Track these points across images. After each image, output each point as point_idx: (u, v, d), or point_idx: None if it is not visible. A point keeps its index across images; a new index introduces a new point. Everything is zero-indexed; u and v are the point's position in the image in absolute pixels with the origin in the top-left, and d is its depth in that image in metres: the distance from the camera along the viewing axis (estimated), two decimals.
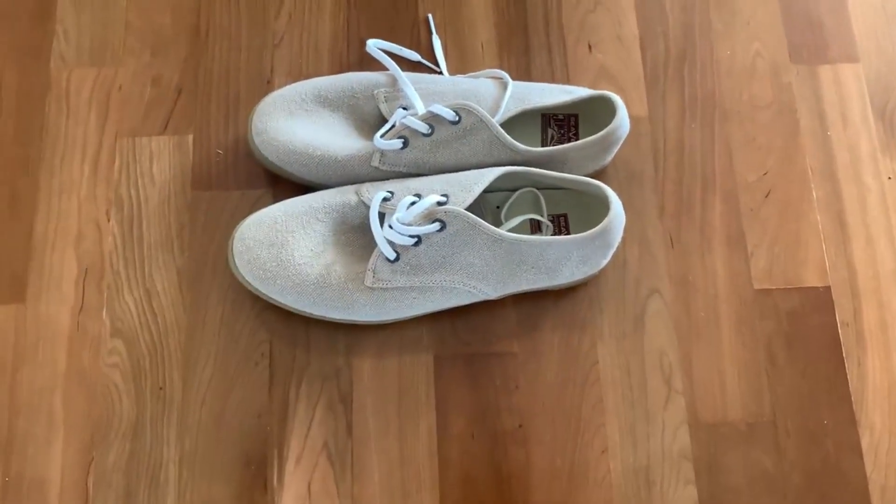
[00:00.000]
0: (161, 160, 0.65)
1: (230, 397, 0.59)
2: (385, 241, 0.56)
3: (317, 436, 0.58)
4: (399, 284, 0.57)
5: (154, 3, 0.68)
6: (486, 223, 0.56)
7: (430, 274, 0.57)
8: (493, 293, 0.58)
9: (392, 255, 0.56)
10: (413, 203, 0.57)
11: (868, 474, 0.58)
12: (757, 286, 0.62)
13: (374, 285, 0.57)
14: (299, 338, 0.60)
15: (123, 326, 0.61)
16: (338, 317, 0.59)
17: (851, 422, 0.59)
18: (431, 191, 0.58)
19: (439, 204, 0.56)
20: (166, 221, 0.63)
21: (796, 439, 0.59)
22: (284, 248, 0.57)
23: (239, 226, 0.59)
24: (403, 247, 0.56)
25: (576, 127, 0.63)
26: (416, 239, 0.56)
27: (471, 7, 0.69)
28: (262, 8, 0.68)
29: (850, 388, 0.60)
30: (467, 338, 0.61)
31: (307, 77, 0.65)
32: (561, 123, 0.63)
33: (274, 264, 0.57)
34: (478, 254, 0.57)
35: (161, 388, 0.60)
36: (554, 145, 0.63)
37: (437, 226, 0.56)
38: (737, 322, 0.61)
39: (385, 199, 0.58)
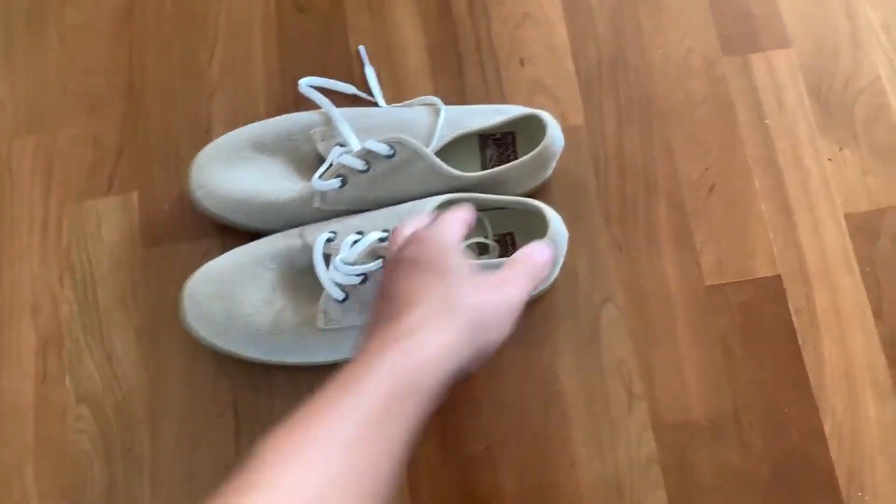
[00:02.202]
0: (109, 221, 0.65)
1: (199, 451, 0.60)
2: (331, 282, 0.57)
3: None
4: (352, 322, 0.58)
5: (86, 64, 0.69)
6: None
7: None
8: None
9: (340, 296, 0.57)
10: (356, 241, 0.57)
11: (833, 458, 0.59)
12: (708, 282, 0.62)
13: (327, 326, 0.57)
14: (262, 384, 0.61)
15: (87, 392, 0.61)
16: (296, 361, 0.59)
17: (813, 408, 0.60)
18: (373, 227, 0.58)
19: (381, 240, 0.56)
20: (119, 282, 0.64)
21: (760, 432, 0.59)
22: (234, 300, 0.58)
23: (186, 282, 0.59)
24: (351, 286, 0.57)
25: (513, 144, 0.64)
26: (362, 277, 0.57)
27: (400, 34, 0.69)
28: (195, 58, 0.69)
29: (809, 375, 0.60)
30: None
31: (245, 123, 0.66)
32: (499, 142, 0.64)
33: (225, 317, 0.58)
34: None
35: (130, 450, 0.60)
36: (493, 165, 0.63)
37: (380, 262, 0.56)
38: (691, 321, 0.62)
39: (328, 241, 0.58)
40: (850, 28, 0.68)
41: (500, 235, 0.62)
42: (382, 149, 0.59)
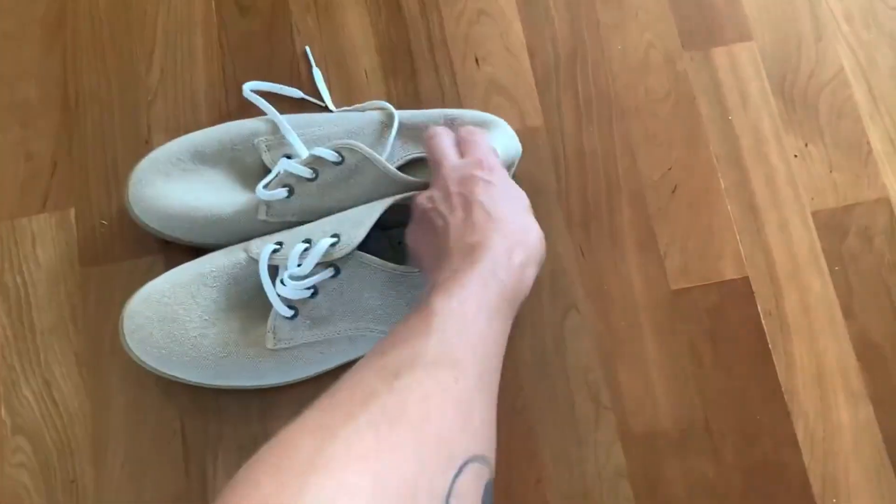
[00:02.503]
0: (44, 240, 0.61)
1: (146, 480, 0.57)
2: (278, 297, 0.54)
3: None
4: (303, 341, 0.55)
5: (15, 74, 0.65)
6: (379, 260, 0.53)
7: (334, 324, 0.55)
8: None
9: (288, 313, 0.54)
10: (305, 250, 0.54)
11: (807, 464, 0.57)
12: (674, 286, 0.60)
13: (277, 346, 0.54)
14: (210, 409, 0.58)
15: (25, 422, 0.58)
16: (245, 385, 0.56)
17: (784, 414, 0.58)
18: (322, 234, 0.55)
19: (332, 246, 0.53)
20: (57, 304, 0.60)
21: (732, 440, 0.57)
22: (176, 322, 0.55)
23: (126, 304, 0.56)
24: (300, 300, 0.54)
25: None
26: (311, 290, 0.54)
27: (349, 34, 0.66)
28: (132, 65, 0.65)
29: (780, 380, 0.58)
30: None
31: (186, 132, 0.62)
32: None
33: (168, 341, 0.55)
34: (379, 295, 0.54)
35: (73, 482, 0.57)
36: None
37: (329, 271, 0.53)
38: (658, 327, 0.59)
39: (274, 251, 0.55)
40: (812, 19, 0.66)
41: None
42: (330, 155, 0.56)
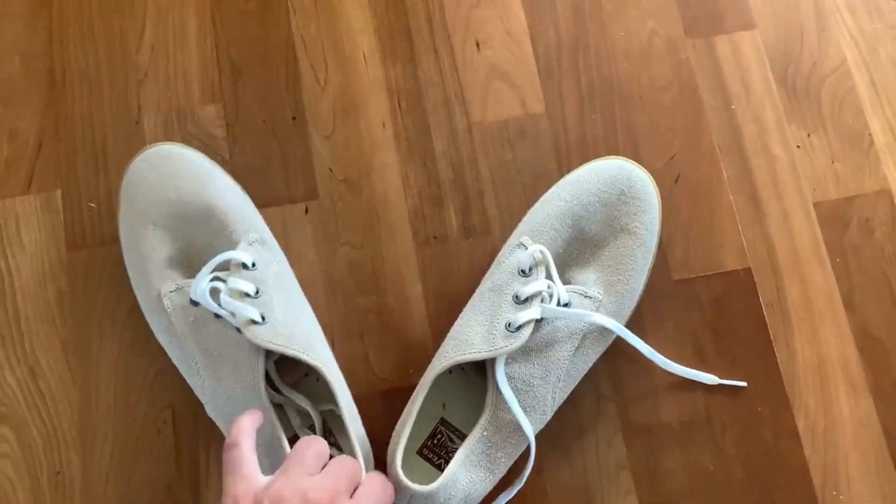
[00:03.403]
0: (29, 222, 0.59)
1: (135, 472, 0.55)
2: None
3: None
4: None
5: None
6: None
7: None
8: None
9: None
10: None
11: (808, 457, 0.57)
12: (676, 277, 0.60)
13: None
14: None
15: (9, 411, 0.56)
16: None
17: (786, 406, 0.57)
18: None
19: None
20: (43, 290, 0.58)
21: (733, 433, 0.57)
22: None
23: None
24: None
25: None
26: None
27: (347, 16, 0.64)
28: (122, 43, 0.63)
29: (781, 371, 0.58)
30: (385, 374, 0.57)
31: (178, 112, 0.61)
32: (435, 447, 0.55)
33: None
34: None
35: (59, 473, 0.55)
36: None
37: None
38: (660, 317, 0.59)
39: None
40: (815, 9, 0.66)
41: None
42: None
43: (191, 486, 0.55)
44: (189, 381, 0.53)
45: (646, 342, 0.56)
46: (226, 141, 0.61)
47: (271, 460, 0.49)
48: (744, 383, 0.57)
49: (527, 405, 0.51)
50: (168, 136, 0.61)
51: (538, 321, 0.51)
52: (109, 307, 0.57)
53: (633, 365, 0.58)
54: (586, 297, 0.53)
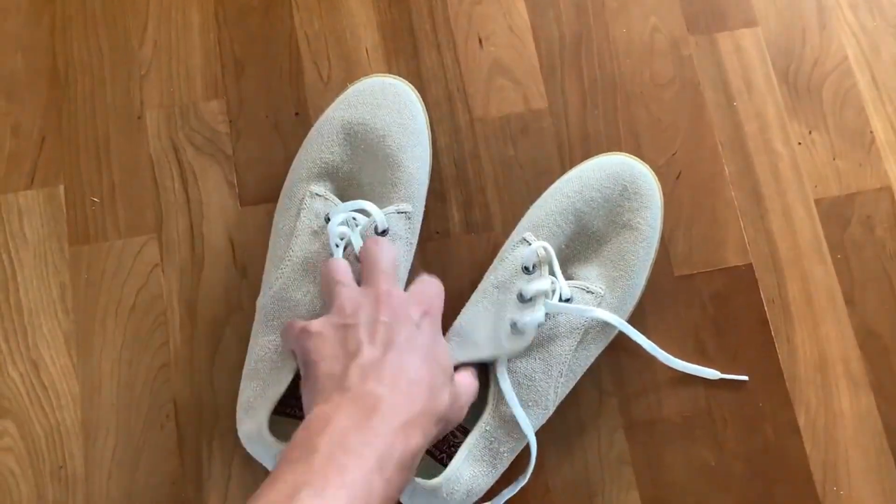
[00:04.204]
0: (32, 217, 0.59)
1: (139, 466, 0.55)
2: None
3: (236, 495, 0.55)
4: None
5: (1, 44, 0.62)
6: None
7: None
8: None
9: None
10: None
11: (808, 453, 0.57)
12: (678, 272, 0.60)
13: None
14: (204, 392, 0.56)
15: (12, 405, 0.56)
16: None
17: (786, 402, 0.58)
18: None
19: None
20: (45, 284, 0.58)
21: (734, 428, 0.57)
22: None
23: None
24: None
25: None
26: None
27: (349, 12, 0.64)
28: (124, 37, 0.63)
29: (782, 367, 0.58)
30: None
31: (181, 108, 0.61)
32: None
33: None
34: None
35: (61, 467, 0.55)
36: None
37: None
38: (661, 313, 0.59)
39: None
40: (817, 7, 0.66)
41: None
42: None
43: (194, 481, 0.55)
44: (267, 264, 0.54)
45: (648, 337, 0.56)
46: (229, 136, 0.61)
47: None
48: (745, 377, 0.57)
49: (529, 400, 0.51)
50: (171, 132, 0.61)
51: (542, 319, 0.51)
52: (112, 302, 0.57)
53: (634, 360, 0.58)
54: (588, 292, 0.53)
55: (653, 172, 0.57)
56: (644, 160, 0.61)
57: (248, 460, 0.55)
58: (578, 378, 0.54)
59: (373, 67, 0.63)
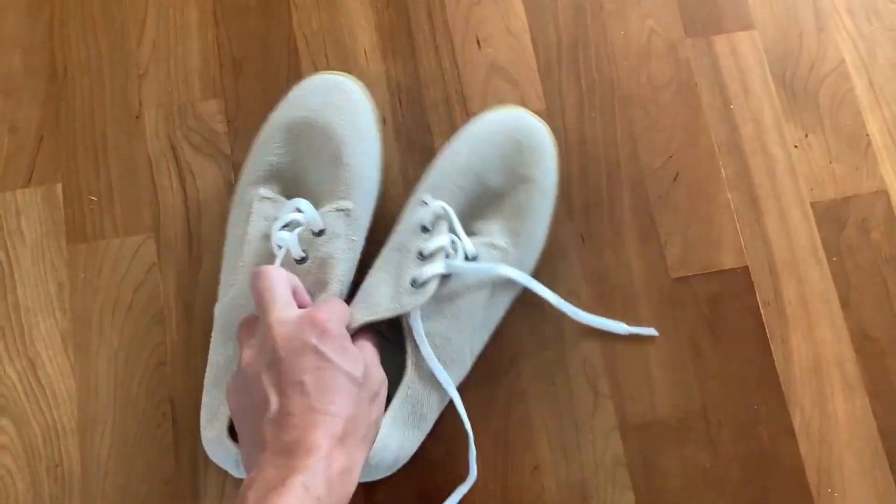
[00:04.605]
0: (29, 215, 0.59)
1: (134, 465, 0.55)
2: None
3: (232, 496, 0.55)
4: None
5: None
6: None
7: None
8: None
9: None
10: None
11: (803, 456, 0.57)
12: (674, 275, 0.60)
13: None
14: (201, 392, 0.56)
15: (8, 403, 0.56)
16: None
17: (782, 404, 0.58)
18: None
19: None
20: (43, 282, 0.58)
21: (729, 430, 0.57)
22: None
23: None
24: None
25: None
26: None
27: (347, 12, 0.64)
28: (122, 37, 0.63)
29: (778, 370, 0.58)
30: None
31: (179, 107, 0.61)
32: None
33: None
34: None
35: (58, 465, 0.55)
36: None
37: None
38: (657, 315, 0.59)
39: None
40: (813, 10, 0.66)
41: None
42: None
43: (189, 480, 0.55)
44: (223, 270, 0.54)
45: (644, 340, 0.56)
46: (227, 136, 0.61)
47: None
48: (654, 331, 0.58)
49: (447, 359, 0.52)
50: (169, 132, 0.61)
51: (446, 276, 0.51)
52: (110, 300, 0.58)
53: (630, 362, 0.58)
54: (494, 247, 0.53)
55: (546, 125, 0.57)
56: (640, 162, 0.62)
57: None
58: (493, 331, 0.55)
59: (370, 68, 0.63)
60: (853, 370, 0.58)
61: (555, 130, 0.62)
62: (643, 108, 0.63)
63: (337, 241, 0.52)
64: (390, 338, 0.54)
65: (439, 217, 0.52)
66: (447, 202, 0.53)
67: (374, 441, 0.47)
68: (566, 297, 0.59)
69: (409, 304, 0.50)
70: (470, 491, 0.54)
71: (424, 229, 0.53)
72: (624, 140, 0.62)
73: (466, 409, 0.53)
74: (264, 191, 0.54)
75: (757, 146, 0.63)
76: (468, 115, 0.62)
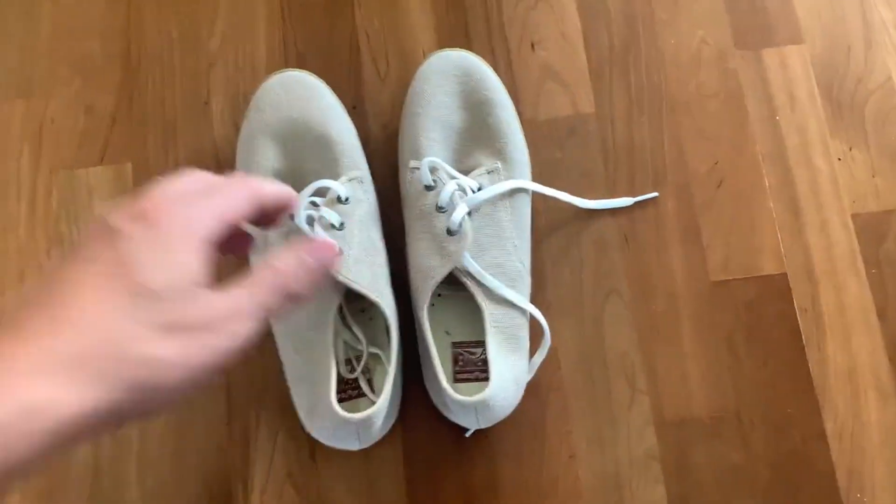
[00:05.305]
0: (100, 192, 0.63)
1: (189, 432, 0.58)
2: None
3: (280, 465, 0.57)
4: None
5: (80, 29, 0.66)
6: None
7: None
8: None
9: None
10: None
11: (834, 459, 0.58)
12: (714, 278, 0.62)
13: None
14: (256, 366, 0.59)
15: None
16: None
17: (815, 408, 0.59)
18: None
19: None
20: None
21: (762, 431, 0.59)
22: None
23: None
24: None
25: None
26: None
27: (408, 12, 0.67)
28: (195, 29, 0.66)
29: (812, 375, 0.60)
30: None
31: (245, 98, 0.64)
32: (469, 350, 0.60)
33: None
34: None
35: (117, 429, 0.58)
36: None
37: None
38: (696, 317, 0.61)
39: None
40: (863, 27, 0.67)
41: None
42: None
43: (240, 449, 0.58)
44: None
45: (682, 340, 0.58)
46: None
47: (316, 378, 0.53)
48: (655, 194, 0.62)
49: (508, 281, 0.55)
50: (236, 120, 0.64)
51: (467, 215, 0.55)
52: None
53: (668, 361, 0.60)
54: (489, 173, 0.57)
55: (464, 50, 0.61)
56: (687, 167, 0.63)
57: (293, 433, 0.58)
58: (529, 234, 0.59)
59: None
60: (887, 379, 0.60)
61: (603, 133, 0.64)
62: (691, 116, 0.65)
63: (361, 205, 0.56)
64: (446, 291, 0.58)
65: (434, 170, 0.56)
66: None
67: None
68: (608, 294, 0.61)
69: (458, 250, 0.54)
70: (506, 477, 0.57)
71: (428, 188, 0.56)
72: (671, 145, 0.64)
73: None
74: None
75: (801, 157, 0.64)
76: (520, 115, 0.64)
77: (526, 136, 0.64)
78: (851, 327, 0.61)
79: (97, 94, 0.65)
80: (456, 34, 0.67)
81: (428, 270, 0.54)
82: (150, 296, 0.32)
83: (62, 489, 0.57)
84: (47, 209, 0.62)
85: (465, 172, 0.58)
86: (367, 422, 0.51)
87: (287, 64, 0.65)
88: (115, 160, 0.63)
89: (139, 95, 0.65)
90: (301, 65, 0.65)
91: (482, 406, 0.52)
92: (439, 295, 0.58)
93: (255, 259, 0.57)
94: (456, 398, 0.51)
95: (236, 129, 0.64)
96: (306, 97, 0.59)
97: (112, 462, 0.57)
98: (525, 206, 0.59)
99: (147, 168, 0.63)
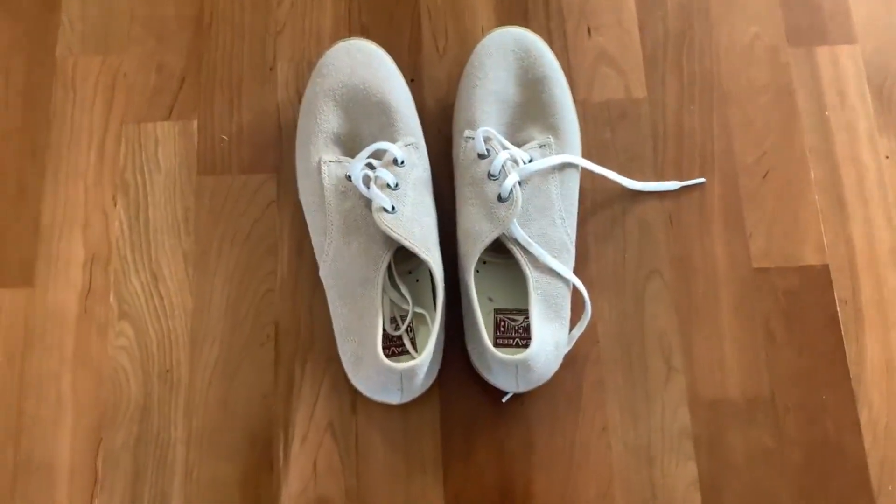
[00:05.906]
0: (166, 146, 0.66)
1: (236, 378, 0.60)
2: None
3: (321, 415, 0.59)
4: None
5: None
6: None
7: None
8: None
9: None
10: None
11: (867, 449, 0.59)
12: (755, 265, 0.63)
13: None
14: (303, 319, 0.61)
15: (130, 310, 0.62)
16: None
17: (850, 398, 0.60)
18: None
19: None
20: (172, 206, 0.64)
21: (795, 417, 0.59)
22: None
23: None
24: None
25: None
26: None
27: None
28: None
29: (849, 365, 0.60)
30: None
31: (309, 64, 0.66)
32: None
33: None
34: None
35: (168, 371, 0.60)
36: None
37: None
38: (736, 301, 0.62)
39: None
40: None
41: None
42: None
43: (284, 398, 0.60)
44: (314, 239, 0.59)
45: (720, 323, 0.59)
46: None
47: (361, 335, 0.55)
48: (702, 179, 0.64)
49: (553, 251, 0.57)
50: (298, 85, 0.67)
51: (518, 183, 0.56)
52: (230, 229, 0.63)
53: (706, 343, 0.61)
54: (541, 146, 0.59)
55: (528, 30, 0.63)
56: (734, 156, 0.65)
57: (336, 385, 0.60)
58: (576, 210, 0.60)
59: None
60: None
61: (654, 118, 0.66)
62: (741, 107, 0.66)
63: (415, 169, 0.58)
64: (491, 259, 0.60)
65: (488, 139, 0.58)
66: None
67: None
68: (649, 274, 0.62)
69: (507, 216, 0.55)
70: (539, 443, 0.58)
71: (481, 156, 0.58)
72: (720, 134, 0.65)
73: None
74: (327, 156, 0.59)
75: (848, 153, 0.65)
76: (573, 95, 0.66)
77: (578, 115, 0.66)
78: (891, 321, 0.61)
79: (169, 54, 0.68)
80: (515, 15, 0.69)
81: (477, 234, 0.56)
82: None
83: (112, 425, 0.59)
84: (115, 159, 0.65)
85: (518, 145, 0.60)
86: (410, 372, 0.53)
87: (351, 34, 0.68)
88: (182, 116, 0.66)
89: (208, 57, 0.68)
90: (364, 36, 0.67)
91: (523, 366, 0.53)
92: (484, 262, 0.60)
93: (310, 217, 0.59)
94: (499, 356, 0.53)
95: (298, 94, 0.66)
96: (368, 64, 0.62)
97: (161, 403, 0.60)
98: (574, 182, 0.60)
99: (212, 126, 0.66)
